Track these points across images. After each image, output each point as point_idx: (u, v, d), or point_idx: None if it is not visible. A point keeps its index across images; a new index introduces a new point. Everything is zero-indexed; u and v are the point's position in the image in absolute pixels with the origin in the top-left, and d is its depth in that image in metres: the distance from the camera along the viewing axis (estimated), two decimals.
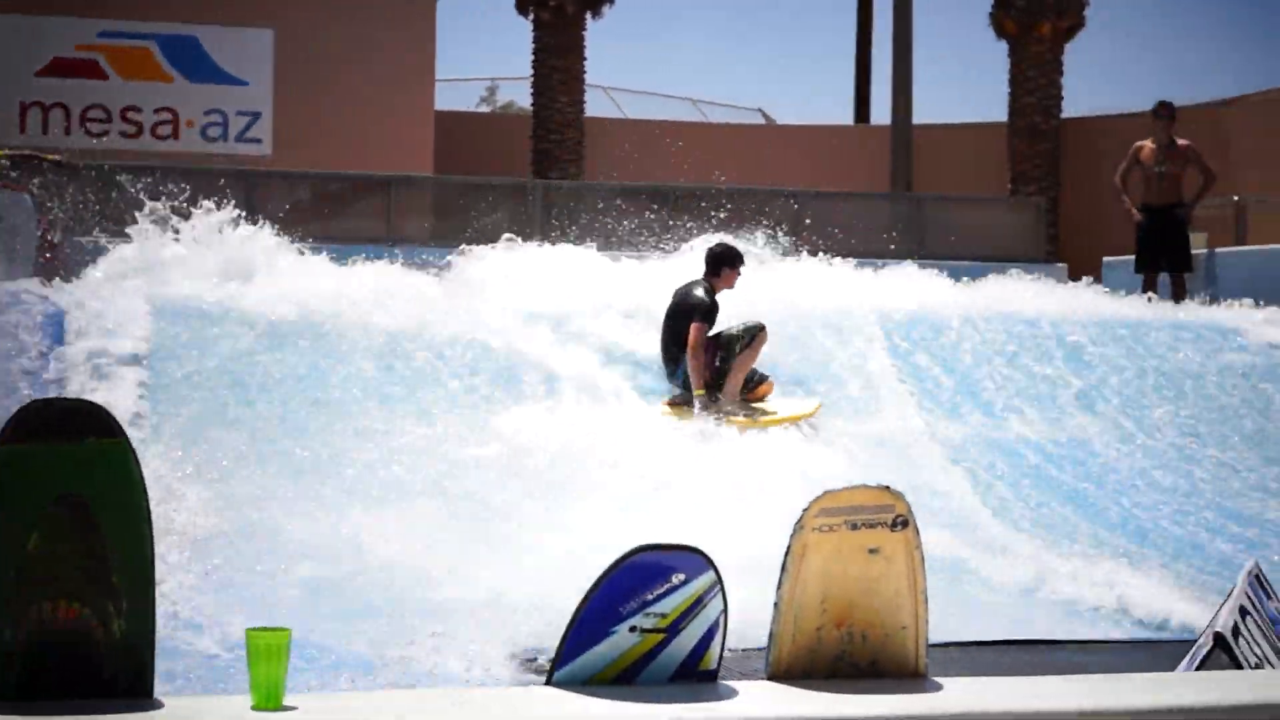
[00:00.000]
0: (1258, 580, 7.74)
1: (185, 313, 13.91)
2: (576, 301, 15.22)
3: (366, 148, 29.09)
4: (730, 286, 14.44)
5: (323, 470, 12.17)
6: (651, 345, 14.56)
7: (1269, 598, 7.77)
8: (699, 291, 14.25)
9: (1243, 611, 7.31)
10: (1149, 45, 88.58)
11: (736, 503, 11.72)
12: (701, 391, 14.00)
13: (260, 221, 15.67)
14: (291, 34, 29.84)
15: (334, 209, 24.88)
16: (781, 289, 15.95)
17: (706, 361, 14.11)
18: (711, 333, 14.18)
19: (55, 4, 28.91)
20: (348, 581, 10.34)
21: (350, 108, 29.73)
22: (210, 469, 11.76)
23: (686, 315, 14.18)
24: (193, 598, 9.57)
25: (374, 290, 14.79)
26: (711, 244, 14.96)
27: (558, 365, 14.36)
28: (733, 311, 14.32)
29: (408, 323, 14.29)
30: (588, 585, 5.57)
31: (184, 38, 29.38)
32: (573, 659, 5.79)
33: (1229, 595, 7.49)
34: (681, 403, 14.28)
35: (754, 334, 14.26)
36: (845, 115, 41.55)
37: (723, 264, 14.45)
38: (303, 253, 15.68)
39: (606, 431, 13.37)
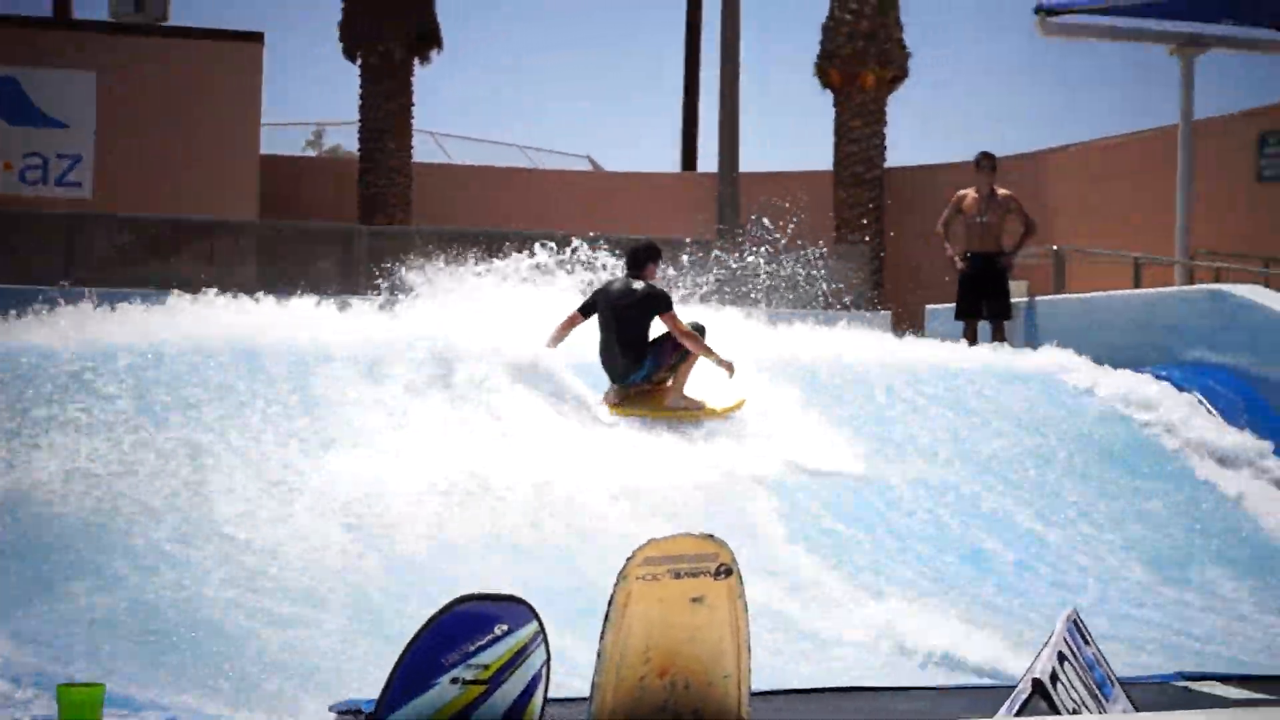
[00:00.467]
0: (1076, 626, 7.85)
1: None
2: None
3: (190, 192, 28.79)
4: (653, 279, 15.07)
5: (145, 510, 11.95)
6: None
7: (1086, 644, 7.88)
8: (641, 285, 14.79)
9: (1061, 658, 7.41)
10: (971, 96, 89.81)
11: None
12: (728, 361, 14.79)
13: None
14: (114, 77, 29.49)
15: (156, 254, 24.57)
16: None
17: (670, 352, 14.79)
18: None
19: None
20: (163, 631, 10.19)
21: (174, 151, 29.43)
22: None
23: (644, 308, 14.68)
24: None
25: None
26: (635, 244, 15.38)
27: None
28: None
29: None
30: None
31: (3, 79, 28.95)
32: (393, 711, 5.75)
33: (1048, 641, 7.58)
34: (623, 400, 14.80)
35: (701, 330, 14.85)
36: (673, 163, 41.81)
37: (649, 259, 15.01)
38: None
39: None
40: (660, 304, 14.71)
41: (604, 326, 14.84)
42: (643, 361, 14.77)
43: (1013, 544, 14.03)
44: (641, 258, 15.00)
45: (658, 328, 14.78)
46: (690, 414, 14.88)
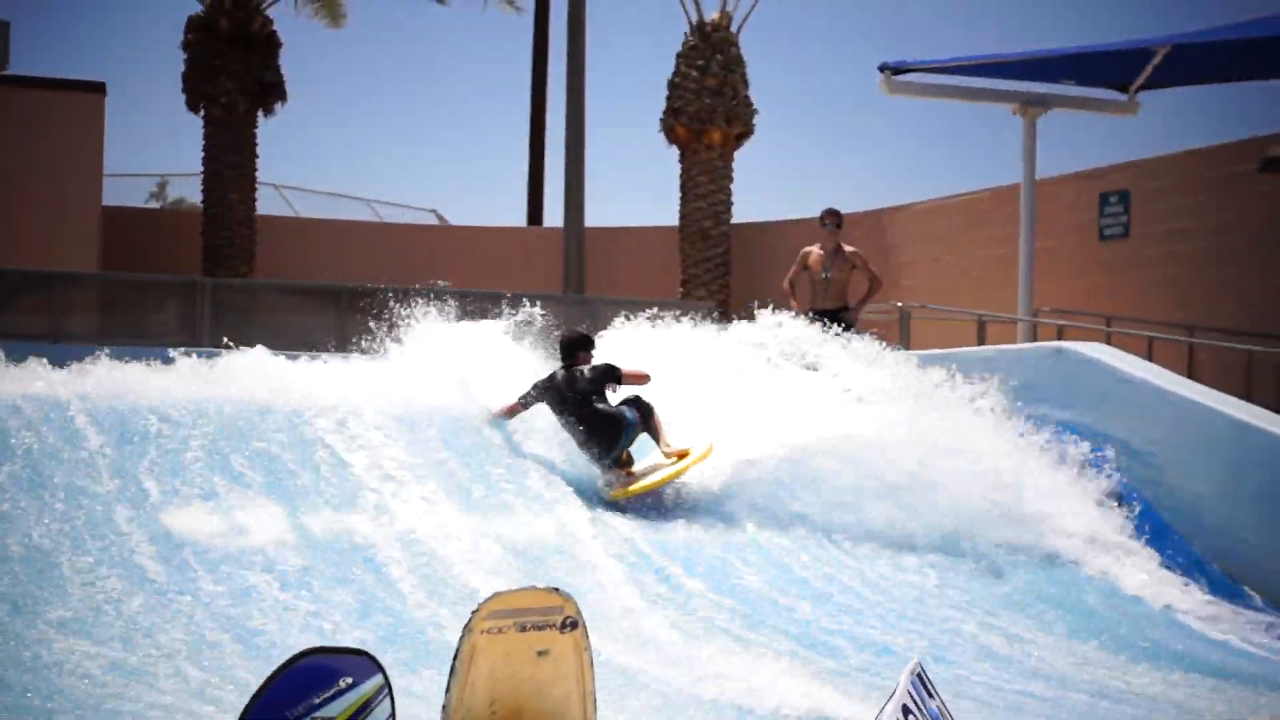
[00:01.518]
0: (919, 679, 7.85)
1: None
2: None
3: (30, 243, 28.44)
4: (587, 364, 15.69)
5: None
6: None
7: (930, 696, 7.89)
8: (584, 369, 15.52)
9: (905, 710, 7.41)
10: (817, 153, 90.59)
11: None
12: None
13: None
14: None
15: None
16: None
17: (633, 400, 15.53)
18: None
19: None
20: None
21: (13, 201, 29.08)
22: None
23: (599, 386, 15.40)
24: None
25: None
26: (561, 335, 16.08)
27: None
28: None
29: None
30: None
31: None
32: None
33: (892, 694, 7.58)
34: (624, 482, 15.22)
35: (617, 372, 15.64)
36: (519, 217, 41.84)
37: (579, 348, 15.72)
38: None
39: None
40: (612, 376, 15.50)
41: (573, 420, 15.36)
42: (624, 422, 15.36)
43: (860, 595, 14.09)
44: (575, 348, 15.69)
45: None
46: (680, 470, 15.22)
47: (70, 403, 14.34)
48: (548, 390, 15.50)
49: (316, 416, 15.01)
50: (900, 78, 23.80)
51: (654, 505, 15.16)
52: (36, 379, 14.84)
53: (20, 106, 29.89)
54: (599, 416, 15.28)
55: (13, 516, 12.36)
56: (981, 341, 22.90)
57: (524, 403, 15.58)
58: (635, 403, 15.48)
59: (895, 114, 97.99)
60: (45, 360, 15.20)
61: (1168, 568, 15.84)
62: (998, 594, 14.66)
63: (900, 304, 23.63)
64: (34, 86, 30.53)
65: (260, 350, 16.23)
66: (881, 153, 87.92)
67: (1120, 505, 16.52)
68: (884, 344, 18.31)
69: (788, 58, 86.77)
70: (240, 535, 12.89)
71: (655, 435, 15.48)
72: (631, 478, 15.27)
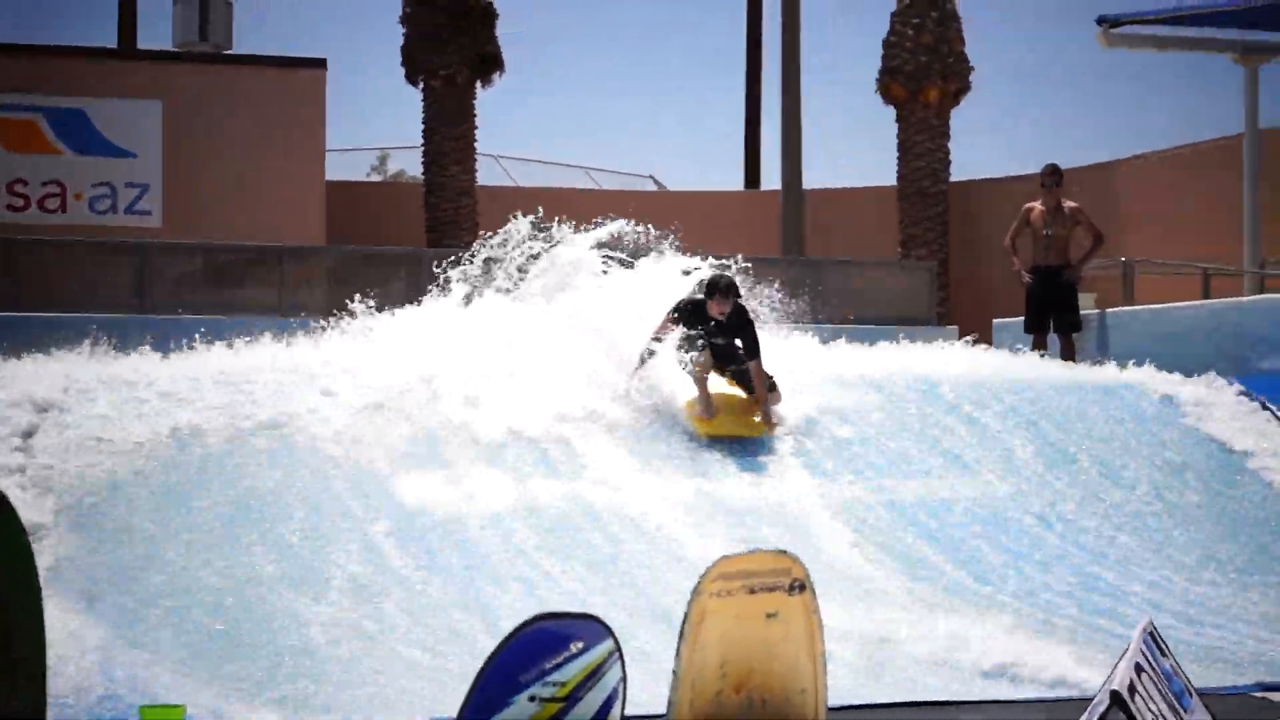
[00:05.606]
0: (1152, 638, 7.80)
1: None
2: None
3: (258, 219, 28.97)
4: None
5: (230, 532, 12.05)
6: None
7: (1163, 655, 7.84)
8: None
9: (1138, 669, 7.37)
10: (1035, 109, 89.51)
11: None
12: None
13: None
14: (180, 106, 29.74)
15: (226, 281, 24.73)
16: None
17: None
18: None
19: None
20: (244, 652, 10.27)
21: (240, 179, 29.63)
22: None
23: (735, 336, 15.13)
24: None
25: None
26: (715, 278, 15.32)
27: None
28: None
29: None
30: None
31: (71, 110, 29.21)
32: None
33: (1124, 653, 7.54)
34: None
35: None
36: (736, 181, 41.79)
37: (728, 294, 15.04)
38: None
39: None
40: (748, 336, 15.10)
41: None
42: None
43: (1089, 556, 13.97)
44: (729, 293, 15.07)
45: None
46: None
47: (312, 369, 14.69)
48: (691, 316, 15.04)
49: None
50: (1118, 30, 23.51)
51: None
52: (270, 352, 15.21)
53: (245, 85, 30.43)
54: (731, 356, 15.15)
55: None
56: (1206, 295, 22.56)
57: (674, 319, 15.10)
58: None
59: (1115, 66, 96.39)
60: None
61: None
62: (1232, 551, 14.46)
63: (1124, 259, 23.32)
64: (258, 64, 31.07)
65: None
66: (1100, 106, 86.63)
67: None
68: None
69: (1004, 12, 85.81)
70: (469, 502, 13.08)
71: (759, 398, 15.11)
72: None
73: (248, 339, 15.45)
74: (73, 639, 9.69)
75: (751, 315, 15.29)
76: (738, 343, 15.08)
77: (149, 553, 11.56)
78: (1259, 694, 10.47)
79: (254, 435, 13.38)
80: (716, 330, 15.00)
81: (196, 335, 15.37)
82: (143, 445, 12.89)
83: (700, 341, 14.89)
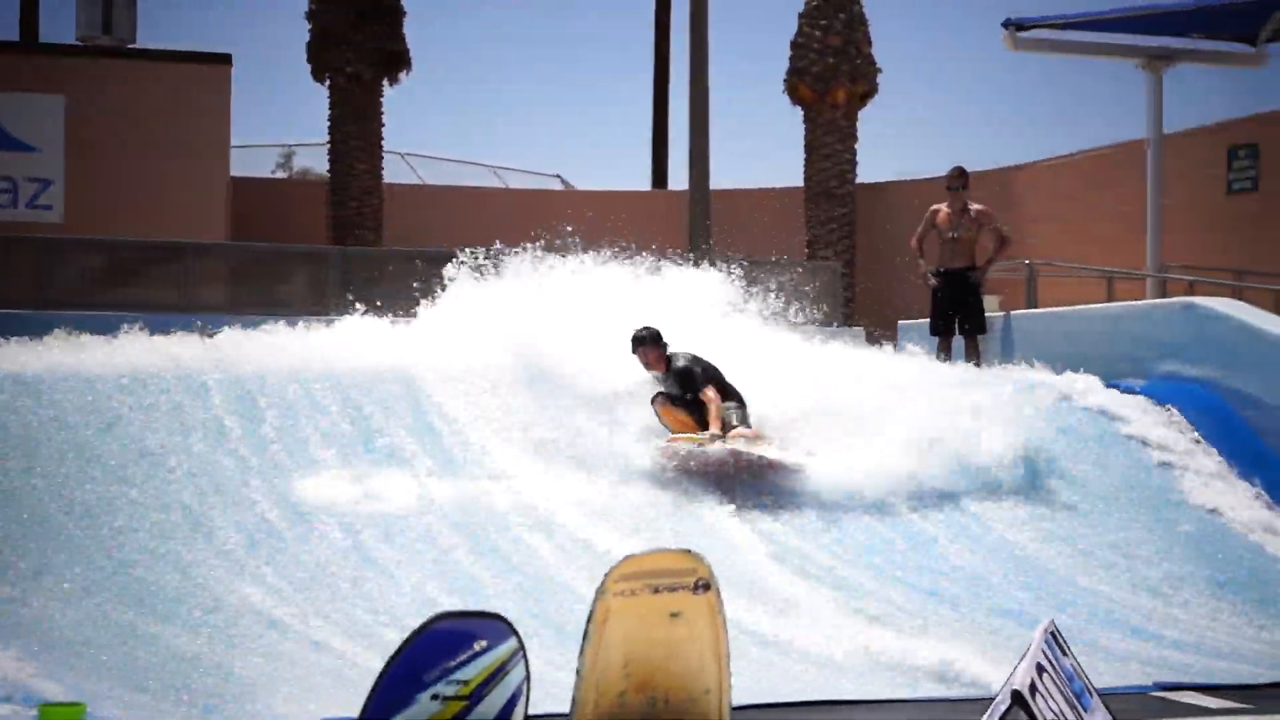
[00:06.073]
0: (1054, 638, 7.84)
1: None
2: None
3: (161, 214, 28.70)
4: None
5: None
6: None
7: (1064, 655, 7.88)
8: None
9: (1039, 669, 7.40)
10: (942, 111, 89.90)
11: None
12: None
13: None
14: (83, 100, 29.44)
15: (127, 277, 24.51)
16: None
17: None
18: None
19: None
20: (140, 646, 10.20)
21: (144, 174, 29.36)
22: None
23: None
24: None
25: None
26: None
27: None
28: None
29: None
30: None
31: None
32: None
33: (1025, 653, 7.57)
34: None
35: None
36: (644, 181, 41.81)
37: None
38: None
39: None
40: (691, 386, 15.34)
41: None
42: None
43: (990, 554, 14.04)
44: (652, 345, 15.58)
45: None
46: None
47: (204, 371, 14.60)
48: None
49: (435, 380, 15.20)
50: (1024, 34, 23.64)
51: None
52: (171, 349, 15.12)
53: (149, 80, 30.15)
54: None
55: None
56: (1110, 298, 22.70)
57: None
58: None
59: (1019, 71, 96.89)
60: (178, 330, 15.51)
61: None
62: (1136, 550, 14.57)
63: (1028, 262, 23.46)
64: (162, 59, 30.80)
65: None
66: (1006, 110, 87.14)
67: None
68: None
69: (911, 15, 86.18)
70: (371, 501, 13.06)
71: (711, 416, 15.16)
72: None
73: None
74: None
75: (686, 362, 15.43)
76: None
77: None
78: (1158, 693, 10.55)
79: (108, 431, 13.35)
80: (664, 379, 15.41)
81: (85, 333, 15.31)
82: None
83: (658, 391, 15.33)
